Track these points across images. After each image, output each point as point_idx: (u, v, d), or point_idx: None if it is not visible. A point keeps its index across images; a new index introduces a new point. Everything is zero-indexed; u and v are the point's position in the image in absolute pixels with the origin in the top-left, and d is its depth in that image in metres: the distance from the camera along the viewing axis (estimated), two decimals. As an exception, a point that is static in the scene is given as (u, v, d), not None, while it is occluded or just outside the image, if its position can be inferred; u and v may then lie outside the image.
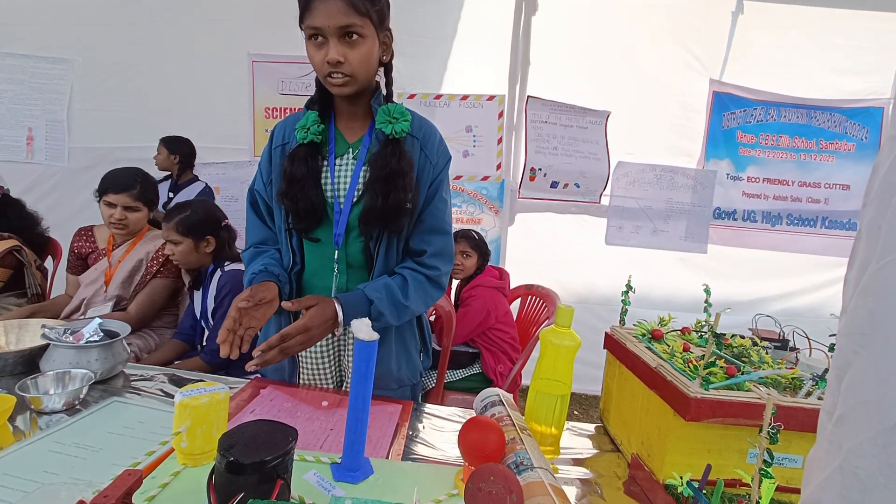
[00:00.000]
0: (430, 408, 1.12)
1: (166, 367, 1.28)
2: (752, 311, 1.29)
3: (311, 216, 1.05)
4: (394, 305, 1.05)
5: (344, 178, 1.08)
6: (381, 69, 1.08)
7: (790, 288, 3.09)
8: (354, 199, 1.07)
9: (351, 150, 1.09)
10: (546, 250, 3.09)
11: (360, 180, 1.06)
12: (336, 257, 1.08)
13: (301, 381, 1.18)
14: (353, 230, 1.08)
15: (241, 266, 1.73)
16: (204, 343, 1.70)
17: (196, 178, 3.08)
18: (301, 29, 0.99)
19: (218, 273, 1.70)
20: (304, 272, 1.14)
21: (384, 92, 1.10)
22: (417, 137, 1.08)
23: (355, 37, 0.95)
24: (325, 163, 1.08)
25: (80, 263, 1.91)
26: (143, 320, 1.80)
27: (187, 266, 1.74)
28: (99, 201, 1.80)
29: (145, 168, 3.00)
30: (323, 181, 1.07)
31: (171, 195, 2.98)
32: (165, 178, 3.06)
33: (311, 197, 1.03)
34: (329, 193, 1.07)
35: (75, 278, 1.91)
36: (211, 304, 1.68)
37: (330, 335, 1.13)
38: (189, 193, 3.00)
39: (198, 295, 1.75)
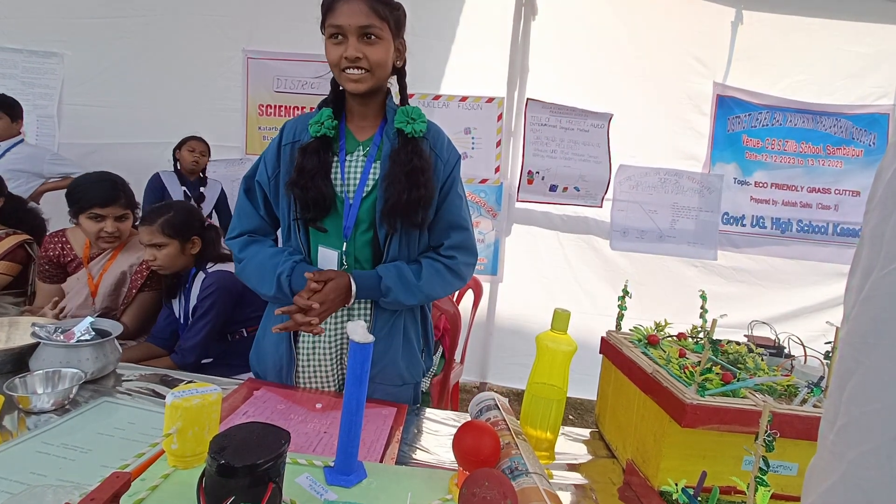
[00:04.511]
0: (425, 411, 1.11)
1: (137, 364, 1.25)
2: (754, 319, 1.30)
3: (319, 206, 1.07)
4: (404, 283, 1.09)
5: (354, 173, 1.10)
6: (394, 76, 1.13)
7: (800, 295, 3.06)
8: (364, 194, 1.09)
9: (361, 147, 1.13)
10: (545, 254, 3.08)
11: (371, 176, 1.10)
12: (344, 249, 1.10)
13: (301, 383, 1.17)
14: (362, 224, 1.11)
15: (226, 267, 1.67)
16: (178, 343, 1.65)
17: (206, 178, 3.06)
18: (322, 31, 1.05)
19: (201, 276, 1.65)
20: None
21: (396, 97, 1.15)
22: (427, 138, 1.12)
23: (374, 38, 1.01)
24: (336, 158, 1.10)
25: (57, 272, 1.77)
26: (138, 332, 1.76)
27: (171, 270, 1.64)
28: (76, 219, 1.66)
29: (144, 165, 3.03)
30: (333, 176, 1.09)
31: (202, 190, 2.97)
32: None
33: (321, 187, 1.06)
34: (339, 188, 1.10)
35: (50, 287, 1.76)
36: (194, 303, 1.65)
37: (334, 337, 1.14)
38: (212, 191, 3.00)
39: (176, 303, 1.70)
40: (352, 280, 1.06)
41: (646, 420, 0.87)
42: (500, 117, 2.97)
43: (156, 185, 2.89)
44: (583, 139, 2.98)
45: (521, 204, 3.02)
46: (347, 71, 1.02)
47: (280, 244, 1.20)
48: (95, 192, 1.65)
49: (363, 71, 1.02)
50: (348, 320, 1.13)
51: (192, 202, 2.84)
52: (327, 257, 1.10)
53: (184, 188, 2.91)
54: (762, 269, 3.06)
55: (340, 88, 1.11)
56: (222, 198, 3.08)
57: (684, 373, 0.84)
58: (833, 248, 3.02)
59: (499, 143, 2.99)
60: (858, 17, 2.81)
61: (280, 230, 1.20)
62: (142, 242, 1.62)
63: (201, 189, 2.97)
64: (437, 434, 1.01)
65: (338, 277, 1.04)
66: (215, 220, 3.00)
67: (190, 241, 1.63)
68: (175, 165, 2.96)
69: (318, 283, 1.02)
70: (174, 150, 2.94)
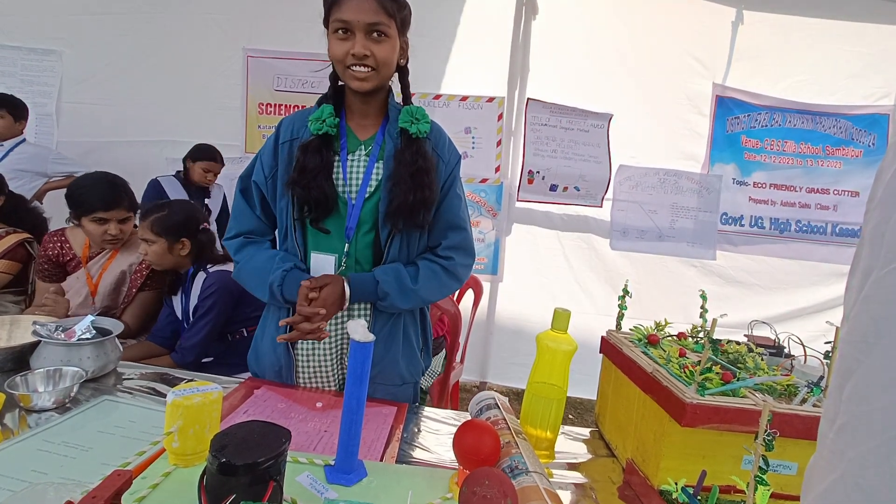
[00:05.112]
0: (425, 410, 1.11)
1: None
2: (754, 319, 1.30)
3: (322, 206, 1.06)
4: (400, 288, 1.08)
5: (356, 173, 1.09)
6: (396, 74, 1.11)
7: (799, 296, 3.06)
8: (367, 195, 1.08)
9: (363, 146, 1.11)
10: (546, 253, 3.08)
11: (374, 176, 1.09)
12: (346, 250, 1.09)
13: (301, 383, 1.16)
14: (364, 225, 1.10)
15: (226, 267, 1.67)
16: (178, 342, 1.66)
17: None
18: (325, 26, 1.03)
19: (201, 275, 1.65)
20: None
21: (396, 95, 1.14)
22: (430, 138, 1.11)
23: (381, 35, 1.00)
24: (337, 157, 1.09)
25: (56, 271, 1.76)
26: (139, 331, 1.76)
27: (161, 267, 1.66)
28: (77, 221, 1.66)
29: (143, 164, 3.02)
30: (334, 175, 1.08)
31: (206, 202, 2.90)
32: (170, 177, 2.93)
33: (324, 187, 1.05)
34: (340, 188, 1.08)
35: (49, 286, 1.74)
36: (195, 303, 1.65)
37: (334, 337, 1.13)
38: (215, 201, 2.96)
39: (177, 299, 1.70)
40: (346, 285, 1.05)
41: (646, 419, 0.88)
42: (500, 117, 2.97)
43: (155, 193, 2.78)
44: (583, 139, 2.98)
45: (521, 203, 3.02)
46: (353, 68, 1.00)
47: (278, 244, 1.19)
48: (98, 196, 1.65)
49: (369, 69, 1.00)
50: (349, 320, 1.13)
51: None
52: (322, 263, 1.09)
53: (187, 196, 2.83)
54: (761, 269, 3.06)
55: (340, 84, 1.10)
56: (225, 205, 3.03)
57: (684, 372, 0.84)
58: (832, 248, 3.02)
59: (499, 143, 2.99)
60: (859, 17, 2.81)
61: (277, 230, 1.18)
62: (139, 237, 1.64)
63: (206, 201, 2.88)
64: (438, 433, 1.02)
65: (333, 283, 1.04)
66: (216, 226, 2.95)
67: (179, 243, 1.63)
68: (181, 172, 2.88)
69: (315, 291, 1.01)
70: (185, 159, 2.85)
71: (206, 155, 2.84)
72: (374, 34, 0.99)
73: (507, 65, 2.92)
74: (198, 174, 2.84)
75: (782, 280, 3.06)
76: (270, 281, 1.07)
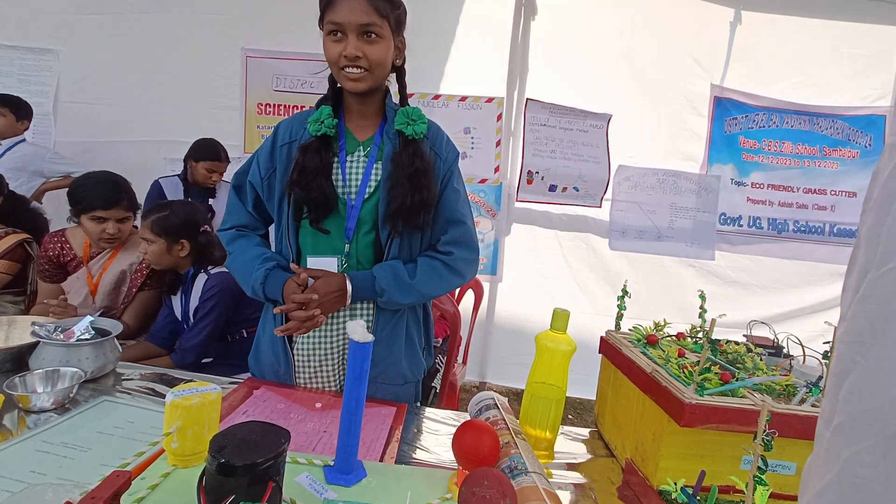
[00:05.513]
0: (425, 411, 1.11)
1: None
2: (753, 319, 1.30)
3: (321, 206, 1.06)
4: (398, 283, 1.08)
5: (356, 174, 1.10)
6: (393, 74, 1.12)
7: (797, 296, 3.07)
8: (366, 196, 1.09)
9: (362, 147, 1.12)
10: (545, 253, 3.08)
11: (373, 178, 1.10)
12: (346, 251, 1.10)
13: (301, 383, 1.16)
14: (364, 225, 1.10)
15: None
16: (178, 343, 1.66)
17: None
18: (320, 27, 1.04)
19: (202, 277, 1.65)
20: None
21: (394, 96, 1.14)
22: (428, 136, 1.12)
23: (374, 36, 1.00)
24: (336, 158, 1.10)
25: (57, 271, 1.77)
26: (138, 331, 1.77)
27: (160, 267, 1.67)
28: (77, 218, 1.67)
29: (141, 163, 3.01)
30: (334, 176, 1.08)
31: (210, 203, 2.76)
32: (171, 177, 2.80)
33: (324, 187, 1.05)
34: (340, 189, 1.09)
35: (51, 287, 1.76)
36: (195, 304, 1.65)
37: (335, 337, 1.13)
38: (221, 203, 2.83)
39: (176, 300, 1.71)
40: (348, 281, 1.06)
41: (645, 419, 0.88)
42: (499, 117, 2.97)
43: (156, 195, 2.65)
44: (582, 139, 2.98)
45: (520, 204, 3.02)
46: (346, 69, 1.01)
47: (272, 242, 1.20)
48: (98, 194, 1.65)
49: (362, 70, 1.01)
50: (349, 320, 1.13)
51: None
52: (324, 266, 1.09)
53: (189, 199, 2.69)
54: (760, 270, 3.07)
55: (338, 86, 1.10)
56: None
57: (683, 372, 0.85)
58: (830, 248, 3.03)
59: (498, 143, 2.99)
60: (857, 18, 2.82)
61: (273, 232, 1.19)
62: (139, 236, 1.65)
63: (210, 201, 2.74)
64: (437, 433, 1.02)
65: (330, 276, 1.05)
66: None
67: (178, 244, 1.64)
68: (184, 172, 2.73)
69: (306, 279, 1.03)
70: (186, 159, 2.70)
71: (209, 154, 2.67)
72: (367, 35, 0.99)
73: (506, 65, 2.92)
74: (201, 175, 2.67)
75: (780, 280, 3.06)
76: (253, 280, 1.09)
